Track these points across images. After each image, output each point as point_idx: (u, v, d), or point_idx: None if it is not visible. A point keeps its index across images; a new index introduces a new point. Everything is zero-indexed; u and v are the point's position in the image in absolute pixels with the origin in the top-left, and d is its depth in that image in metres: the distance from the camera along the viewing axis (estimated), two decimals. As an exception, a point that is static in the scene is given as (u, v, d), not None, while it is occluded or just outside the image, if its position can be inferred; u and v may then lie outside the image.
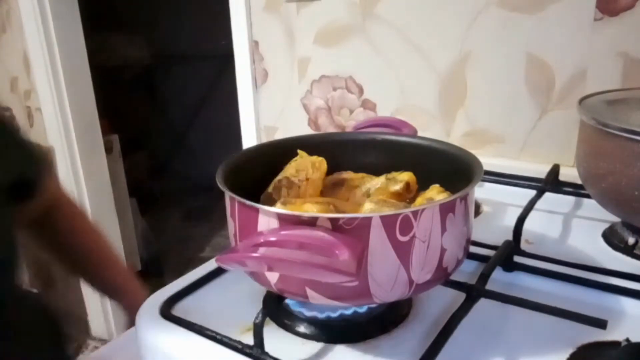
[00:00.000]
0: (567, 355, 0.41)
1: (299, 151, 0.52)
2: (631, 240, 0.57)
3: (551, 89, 0.79)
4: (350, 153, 0.55)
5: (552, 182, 0.69)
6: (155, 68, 3.11)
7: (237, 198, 0.39)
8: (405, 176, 0.49)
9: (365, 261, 0.36)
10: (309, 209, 0.41)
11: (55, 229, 0.72)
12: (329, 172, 0.52)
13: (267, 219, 0.38)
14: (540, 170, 0.71)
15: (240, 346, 0.42)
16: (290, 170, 0.50)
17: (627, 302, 0.47)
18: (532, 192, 0.65)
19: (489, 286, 0.46)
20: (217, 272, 0.55)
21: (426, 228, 0.37)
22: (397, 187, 0.49)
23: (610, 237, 0.60)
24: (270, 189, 0.48)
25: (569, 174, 0.69)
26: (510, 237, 0.55)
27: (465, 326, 0.42)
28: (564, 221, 0.65)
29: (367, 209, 0.43)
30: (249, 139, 1.18)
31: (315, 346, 0.43)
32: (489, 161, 0.66)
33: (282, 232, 0.36)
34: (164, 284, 0.53)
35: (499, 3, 0.79)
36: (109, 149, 1.82)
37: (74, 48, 1.55)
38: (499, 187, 0.72)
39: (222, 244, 2.53)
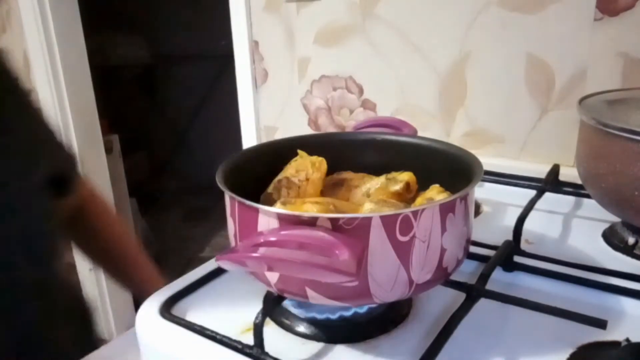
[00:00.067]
0: (567, 355, 0.41)
1: (299, 151, 0.52)
2: (631, 240, 0.57)
3: (551, 89, 0.79)
4: (350, 153, 0.55)
5: (552, 182, 0.69)
6: (155, 68, 3.12)
7: (237, 198, 0.39)
8: (405, 176, 0.49)
9: (365, 261, 0.36)
10: (309, 209, 0.41)
11: (85, 225, 0.77)
12: (329, 172, 0.52)
13: (267, 219, 0.38)
14: (540, 170, 0.71)
15: (240, 346, 0.42)
16: (290, 170, 0.50)
17: (627, 302, 0.47)
18: (532, 192, 0.65)
19: (489, 286, 0.46)
20: (217, 272, 0.55)
21: (426, 228, 0.37)
22: (397, 187, 0.49)
23: (610, 237, 0.60)
24: (270, 189, 0.48)
25: (569, 174, 0.69)
26: (510, 237, 0.55)
27: (465, 326, 0.42)
28: (564, 221, 0.65)
29: (367, 209, 0.43)
30: (249, 139, 1.18)
31: (315, 346, 0.43)
32: (489, 161, 0.66)
33: (282, 232, 0.36)
34: (164, 284, 0.53)
35: (499, 3, 0.79)
36: (109, 149, 1.82)
37: (74, 48, 1.55)
38: (499, 187, 0.72)
39: (222, 244, 2.53)
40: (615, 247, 0.58)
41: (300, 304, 0.46)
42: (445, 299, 0.48)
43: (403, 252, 0.37)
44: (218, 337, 0.43)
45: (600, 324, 0.39)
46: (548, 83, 0.78)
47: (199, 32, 2.83)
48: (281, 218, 0.37)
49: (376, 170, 0.52)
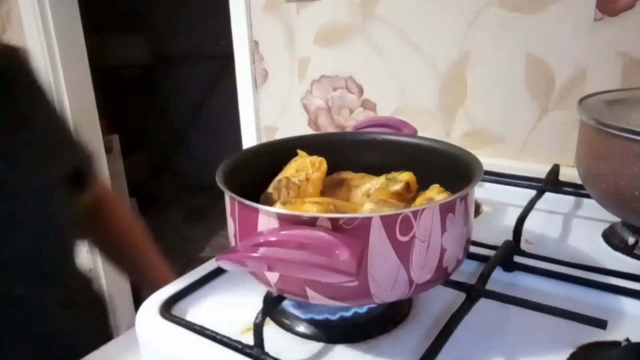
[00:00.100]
0: (567, 355, 0.41)
1: (299, 151, 0.52)
2: (631, 240, 0.57)
3: (551, 89, 0.79)
4: (350, 153, 0.55)
5: (552, 182, 0.69)
6: (155, 68, 3.12)
7: (237, 198, 0.39)
8: (405, 176, 0.49)
9: (365, 261, 0.36)
10: (309, 209, 0.41)
11: (100, 221, 0.80)
12: (329, 172, 0.52)
13: (267, 219, 0.38)
14: (540, 170, 0.71)
15: (240, 346, 0.42)
16: (290, 170, 0.50)
17: (627, 302, 0.47)
18: (532, 192, 0.65)
19: (489, 286, 0.46)
20: (217, 272, 0.55)
21: (426, 228, 0.37)
22: (397, 187, 0.49)
23: (610, 237, 0.60)
24: (270, 189, 0.48)
25: (569, 174, 0.69)
26: (510, 237, 0.55)
27: (465, 326, 0.42)
28: (564, 221, 0.65)
29: (367, 209, 0.43)
30: (249, 139, 1.18)
31: (315, 346, 0.43)
32: (489, 161, 0.66)
33: (282, 232, 0.36)
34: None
35: (499, 3, 0.79)
36: (109, 149, 1.82)
37: (74, 48, 1.55)
38: (499, 187, 0.72)
39: (222, 244, 2.53)
40: (615, 247, 0.58)
41: (300, 304, 0.46)
42: (445, 299, 0.48)
43: (403, 252, 0.37)
44: (218, 337, 0.43)
45: (600, 324, 0.39)
46: (548, 83, 0.78)
47: (199, 32, 2.83)
48: (281, 218, 0.37)
49: (376, 170, 0.52)
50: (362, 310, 0.45)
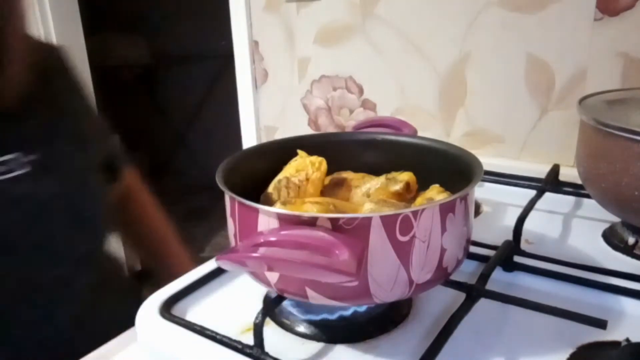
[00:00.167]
0: (567, 355, 0.41)
1: (299, 151, 0.52)
2: (631, 240, 0.57)
3: (551, 89, 0.79)
4: (350, 153, 0.55)
5: (552, 182, 0.69)
6: (155, 68, 3.11)
7: (237, 198, 0.39)
8: (405, 176, 0.49)
9: (365, 261, 0.36)
10: (309, 209, 0.41)
11: (129, 211, 0.85)
12: (329, 172, 0.52)
13: (267, 219, 0.38)
14: (540, 170, 0.71)
15: (240, 346, 0.42)
16: (290, 170, 0.50)
17: (627, 302, 0.47)
18: (532, 192, 0.65)
19: (489, 286, 0.46)
20: (217, 272, 0.55)
21: (426, 228, 0.37)
22: (397, 187, 0.49)
23: (610, 237, 0.60)
24: (270, 189, 0.48)
25: (569, 174, 0.69)
26: (510, 237, 0.55)
27: (465, 326, 0.42)
28: (564, 221, 0.65)
29: (367, 209, 0.43)
30: (249, 139, 1.18)
31: (315, 346, 0.43)
32: (489, 161, 0.66)
33: (282, 232, 0.36)
34: (164, 284, 0.53)
35: (499, 3, 0.79)
36: (109, 149, 1.82)
37: (74, 48, 1.54)
38: (499, 187, 0.72)
39: (222, 244, 2.53)
40: (615, 247, 0.58)
41: (298, 303, 0.46)
42: (445, 299, 0.48)
43: (403, 252, 0.37)
44: (218, 337, 0.43)
45: (600, 324, 0.39)
46: (548, 83, 0.78)
47: (199, 32, 2.82)
48: (281, 218, 0.37)
49: (376, 170, 0.52)
50: (362, 308, 0.45)
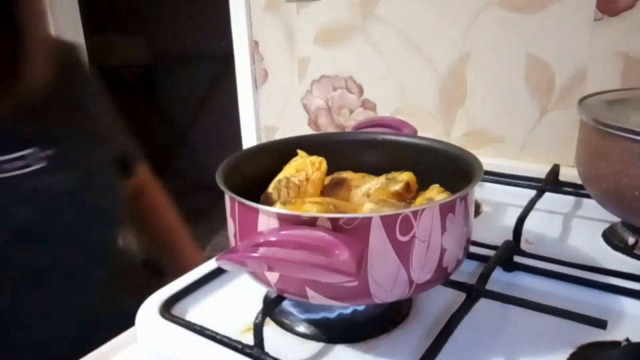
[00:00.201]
0: (567, 355, 0.41)
1: (298, 151, 0.52)
2: (631, 240, 0.57)
3: (551, 89, 0.79)
4: (350, 153, 0.55)
5: (552, 182, 0.69)
6: (155, 68, 3.11)
7: (237, 198, 0.39)
8: (405, 176, 0.49)
9: (365, 261, 0.36)
10: (309, 209, 0.41)
11: (142, 207, 0.87)
12: (329, 172, 0.52)
13: (267, 219, 0.38)
14: (540, 170, 0.71)
15: (240, 346, 0.42)
16: (290, 170, 0.50)
17: (627, 302, 0.47)
18: (532, 192, 0.65)
19: (489, 286, 0.46)
20: (217, 272, 0.55)
21: (426, 228, 0.37)
22: (397, 187, 0.49)
23: (610, 237, 0.60)
24: (270, 189, 0.48)
25: (569, 174, 0.69)
26: (510, 237, 0.55)
27: (465, 326, 0.42)
28: (564, 221, 0.65)
29: (367, 209, 0.43)
30: (249, 139, 1.18)
31: (315, 346, 0.43)
32: (489, 161, 0.66)
33: (282, 232, 0.36)
34: (164, 284, 0.53)
35: (499, 3, 0.79)
36: (109, 149, 1.82)
37: (74, 48, 1.54)
38: (499, 187, 0.72)
39: (222, 244, 2.53)
40: (615, 247, 0.58)
41: (298, 302, 0.46)
42: (445, 299, 0.48)
43: (403, 252, 0.37)
44: (218, 337, 0.43)
45: (600, 324, 0.39)
46: (548, 83, 0.78)
47: (199, 32, 2.82)
48: (281, 218, 0.37)
49: (376, 170, 0.52)
50: (361, 308, 0.45)
